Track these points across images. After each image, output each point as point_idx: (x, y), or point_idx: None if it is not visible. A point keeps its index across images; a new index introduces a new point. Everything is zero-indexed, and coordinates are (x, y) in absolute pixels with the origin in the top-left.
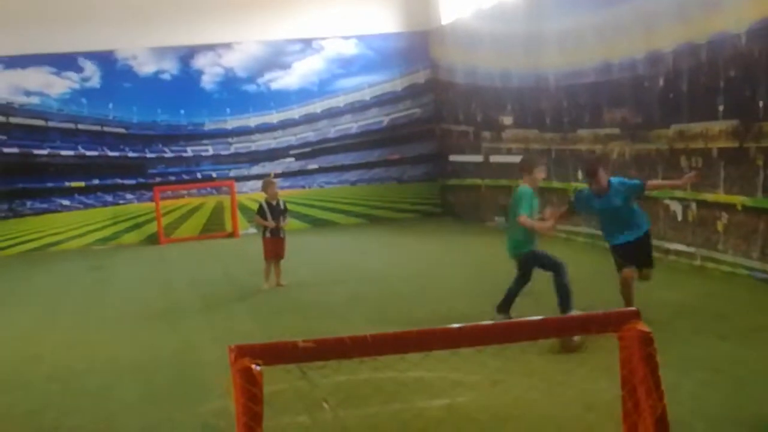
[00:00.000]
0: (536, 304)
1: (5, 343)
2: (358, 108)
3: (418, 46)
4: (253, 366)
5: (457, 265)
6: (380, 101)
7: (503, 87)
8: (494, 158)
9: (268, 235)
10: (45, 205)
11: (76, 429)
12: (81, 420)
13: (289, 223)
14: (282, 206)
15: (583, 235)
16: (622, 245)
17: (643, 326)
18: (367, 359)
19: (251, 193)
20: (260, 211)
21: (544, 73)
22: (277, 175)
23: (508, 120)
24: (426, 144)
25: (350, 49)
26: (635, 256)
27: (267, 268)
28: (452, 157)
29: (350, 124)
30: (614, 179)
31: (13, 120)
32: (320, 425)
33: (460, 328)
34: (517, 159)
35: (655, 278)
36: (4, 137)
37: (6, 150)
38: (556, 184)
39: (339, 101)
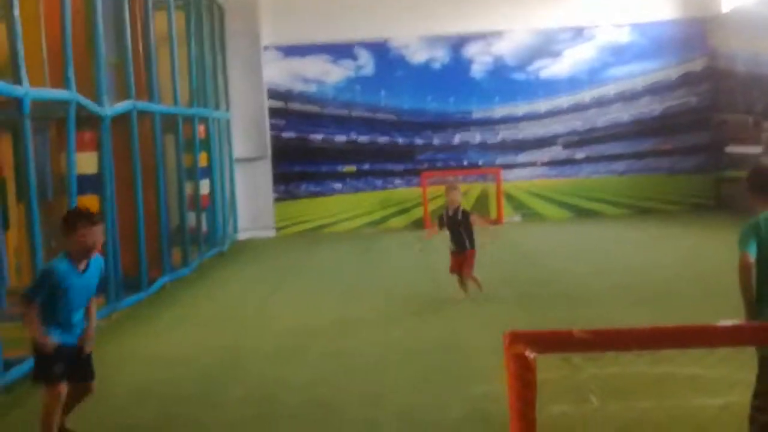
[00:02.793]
0: None
1: (287, 316)
2: (628, 97)
3: (695, 34)
4: (528, 353)
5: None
6: (653, 90)
7: None
8: None
9: (452, 248)
10: (319, 189)
11: (346, 405)
12: (351, 396)
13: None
14: (460, 216)
15: None
16: None
17: None
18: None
19: (517, 182)
20: (439, 222)
21: None
22: (543, 164)
23: None
24: (700, 134)
25: (623, 36)
26: None
27: (459, 279)
28: (729, 148)
29: (620, 113)
30: None
31: (291, 106)
32: (587, 417)
33: (748, 325)
34: None
35: None
36: (283, 122)
37: (285, 135)
38: None
39: (609, 90)
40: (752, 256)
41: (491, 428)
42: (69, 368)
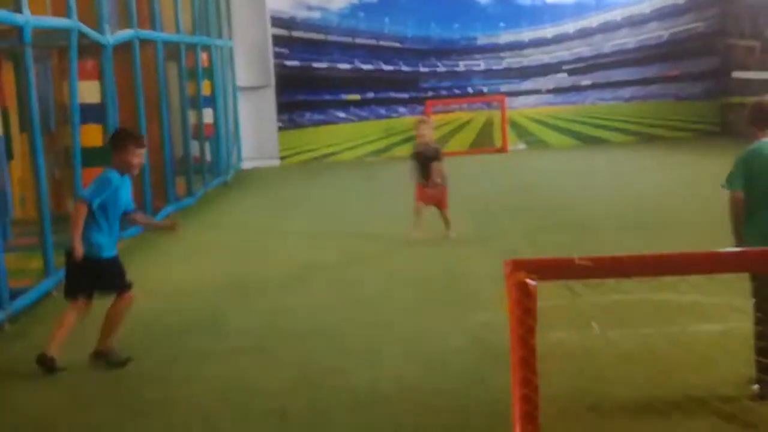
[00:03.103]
0: None
1: (291, 246)
2: (636, 22)
3: None
4: (528, 280)
5: None
6: (661, 15)
7: None
8: None
9: (422, 181)
10: (322, 117)
11: (349, 333)
12: (353, 325)
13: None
14: (431, 153)
15: None
16: None
17: None
18: (644, 280)
19: (522, 109)
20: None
21: None
22: (548, 91)
23: None
24: (708, 60)
25: None
26: None
27: (416, 213)
28: (735, 74)
29: (627, 39)
30: None
31: (295, 34)
32: (589, 343)
33: (747, 251)
34: None
35: None
36: (286, 51)
37: (288, 63)
38: None
39: (616, 15)
40: (741, 192)
41: (491, 356)
42: (98, 282)
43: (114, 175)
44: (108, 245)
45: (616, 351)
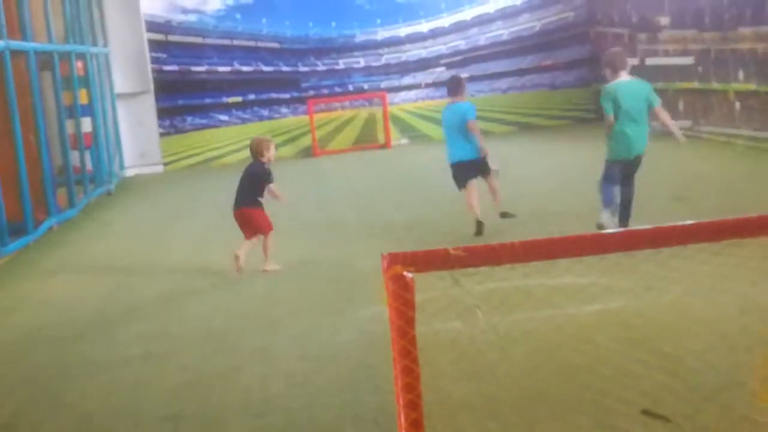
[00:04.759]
0: (685, 207)
1: (177, 252)
2: (509, 14)
3: None
4: (405, 273)
5: None
6: (531, 6)
7: None
8: (650, 61)
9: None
10: (204, 121)
11: (243, 332)
12: (245, 325)
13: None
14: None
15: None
16: None
17: None
18: (518, 266)
19: (403, 104)
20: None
21: None
22: (428, 85)
23: (665, 20)
24: (579, 48)
25: None
26: None
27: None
28: None
29: (501, 31)
30: None
31: (172, 38)
32: (473, 330)
33: (610, 233)
34: (674, 61)
35: None
36: (164, 55)
37: (166, 68)
38: (715, 85)
39: (489, 8)
40: (612, 115)
41: (379, 348)
42: None
43: None
44: None
45: (499, 336)
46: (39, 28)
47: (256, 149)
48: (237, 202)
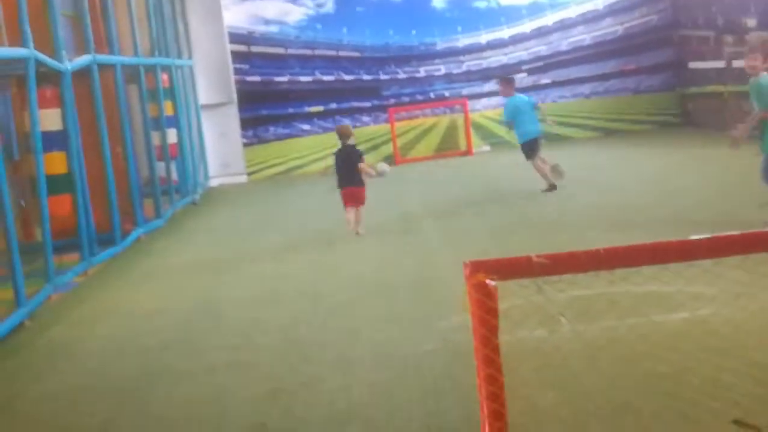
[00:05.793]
0: None
1: (260, 261)
2: (591, 18)
3: None
4: (488, 281)
5: (699, 177)
6: (614, 10)
7: None
8: (737, 63)
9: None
10: (287, 131)
11: (324, 344)
12: (328, 335)
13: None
14: (344, 154)
15: None
16: None
17: None
18: (602, 274)
19: (484, 111)
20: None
21: None
22: None
23: (751, 22)
24: (663, 52)
25: None
26: None
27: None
28: (692, 64)
29: (583, 36)
30: None
31: (254, 49)
32: (557, 338)
33: (696, 240)
34: None
35: None
36: (246, 66)
37: (249, 78)
38: None
39: (571, 12)
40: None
41: (462, 357)
42: None
43: None
44: None
45: (584, 344)
46: (125, 42)
47: (346, 132)
48: (344, 181)
